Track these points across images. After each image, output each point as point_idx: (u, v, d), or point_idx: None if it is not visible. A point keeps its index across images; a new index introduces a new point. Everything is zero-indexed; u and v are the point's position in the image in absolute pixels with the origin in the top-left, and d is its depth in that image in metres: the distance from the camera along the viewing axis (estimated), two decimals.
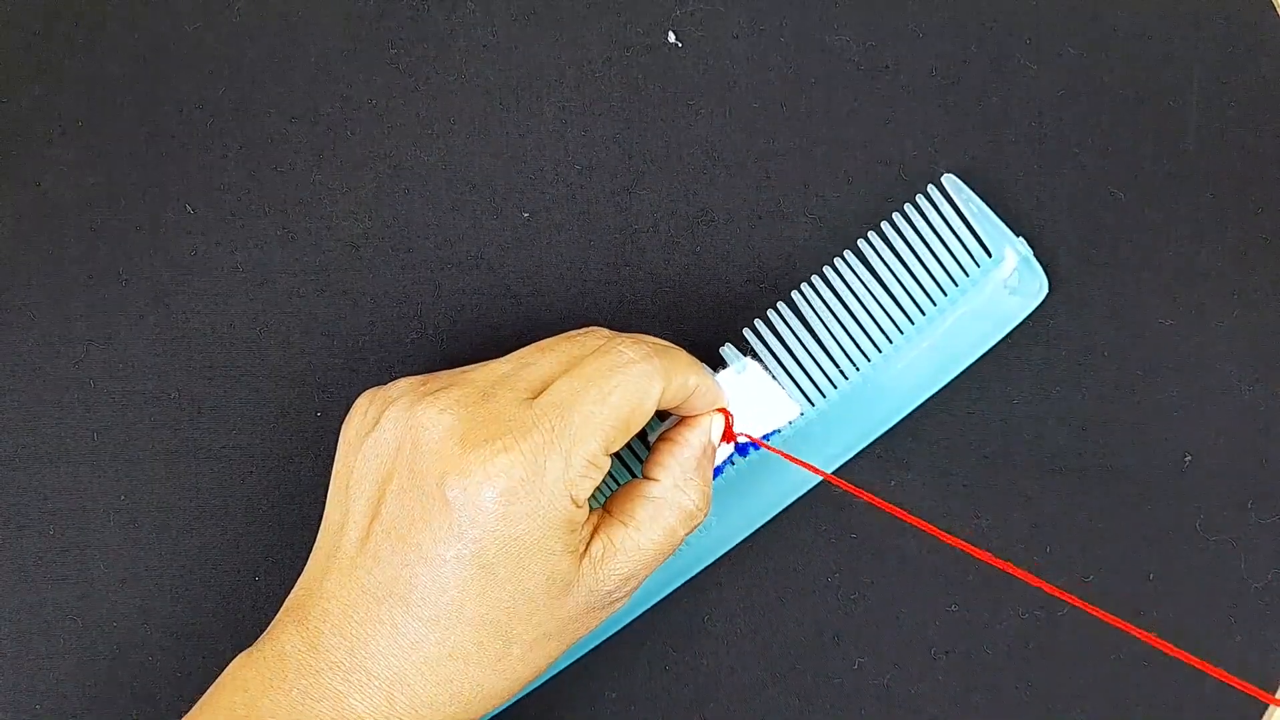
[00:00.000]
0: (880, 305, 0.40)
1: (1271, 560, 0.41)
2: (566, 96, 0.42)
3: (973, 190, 0.40)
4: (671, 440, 0.37)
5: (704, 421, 0.37)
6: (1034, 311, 0.40)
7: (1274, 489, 0.41)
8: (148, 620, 0.41)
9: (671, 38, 0.42)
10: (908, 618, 0.41)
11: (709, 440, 0.37)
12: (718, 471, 0.39)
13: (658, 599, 0.40)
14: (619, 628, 0.40)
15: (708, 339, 0.41)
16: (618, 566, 0.35)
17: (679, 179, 0.41)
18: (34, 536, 0.41)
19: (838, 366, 0.40)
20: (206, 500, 0.41)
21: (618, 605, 0.36)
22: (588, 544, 0.35)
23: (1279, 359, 0.41)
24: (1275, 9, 0.41)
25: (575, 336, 0.36)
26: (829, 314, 0.40)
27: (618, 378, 0.34)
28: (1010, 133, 0.41)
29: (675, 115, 0.42)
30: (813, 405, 0.40)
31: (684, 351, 0.36)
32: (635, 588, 0.36)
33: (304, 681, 0.33)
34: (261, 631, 0.35)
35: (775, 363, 0.39)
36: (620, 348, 0.35)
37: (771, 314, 0.40)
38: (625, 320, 0.42)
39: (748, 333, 0.40)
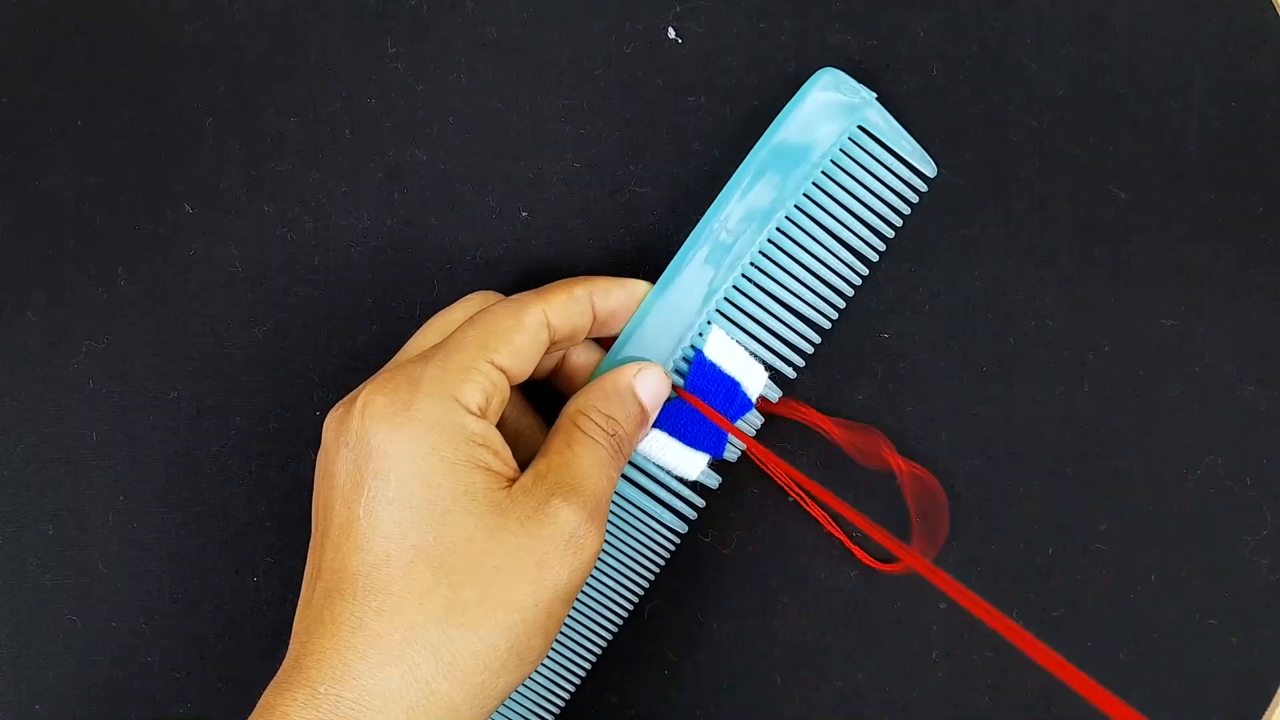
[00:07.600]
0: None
1: (1273, 560, 0.41)
2: (566, 96, 0.42)
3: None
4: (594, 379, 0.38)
5: (630, 367, 0.38)
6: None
7: (1275, 489, 0.41)
8: (148, 620, 0.41)
9: (671, 34, 0.42)
10: (908, 620, 0.41)
11: (628, 379, 0.37)
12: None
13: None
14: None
15: None
16: (548, 488, 0.33)
17: (679, 177, 0.41)
18: (34, 536, 0.41)
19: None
20: (206, 500, 0.41)
21: (585, 550, 0.33)
22: (516, 476, 0.34)
23: (1279, 359, 0.41)
24: (1275, 9, 0.41)
25: None
26: None
27: (492, 306, 0.36)
28: (1010, 133, 0.41)
29: (676, 112, 0.41)
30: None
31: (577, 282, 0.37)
32: (593, 527, 0.33)
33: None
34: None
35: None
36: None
37: None
38: None
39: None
